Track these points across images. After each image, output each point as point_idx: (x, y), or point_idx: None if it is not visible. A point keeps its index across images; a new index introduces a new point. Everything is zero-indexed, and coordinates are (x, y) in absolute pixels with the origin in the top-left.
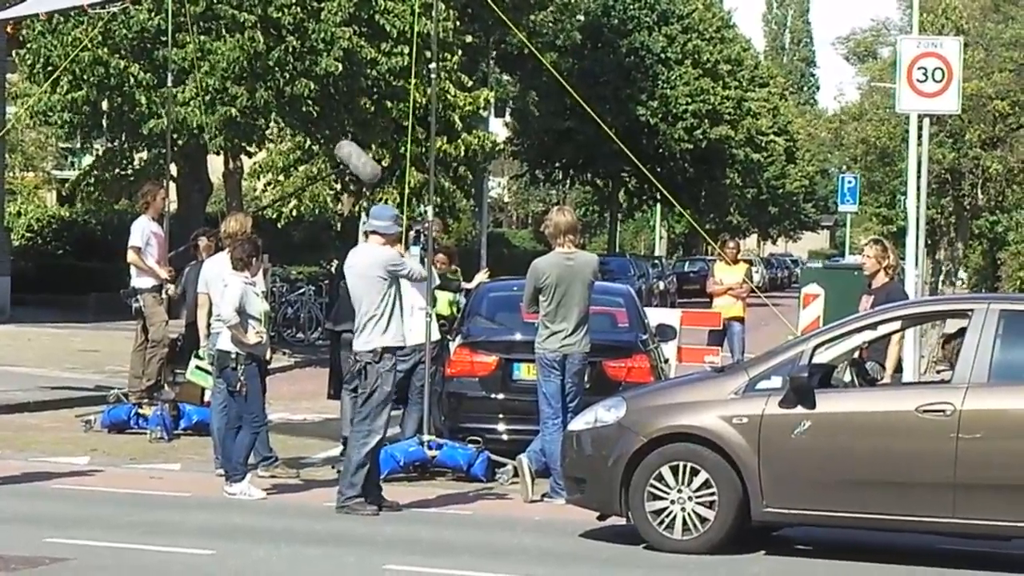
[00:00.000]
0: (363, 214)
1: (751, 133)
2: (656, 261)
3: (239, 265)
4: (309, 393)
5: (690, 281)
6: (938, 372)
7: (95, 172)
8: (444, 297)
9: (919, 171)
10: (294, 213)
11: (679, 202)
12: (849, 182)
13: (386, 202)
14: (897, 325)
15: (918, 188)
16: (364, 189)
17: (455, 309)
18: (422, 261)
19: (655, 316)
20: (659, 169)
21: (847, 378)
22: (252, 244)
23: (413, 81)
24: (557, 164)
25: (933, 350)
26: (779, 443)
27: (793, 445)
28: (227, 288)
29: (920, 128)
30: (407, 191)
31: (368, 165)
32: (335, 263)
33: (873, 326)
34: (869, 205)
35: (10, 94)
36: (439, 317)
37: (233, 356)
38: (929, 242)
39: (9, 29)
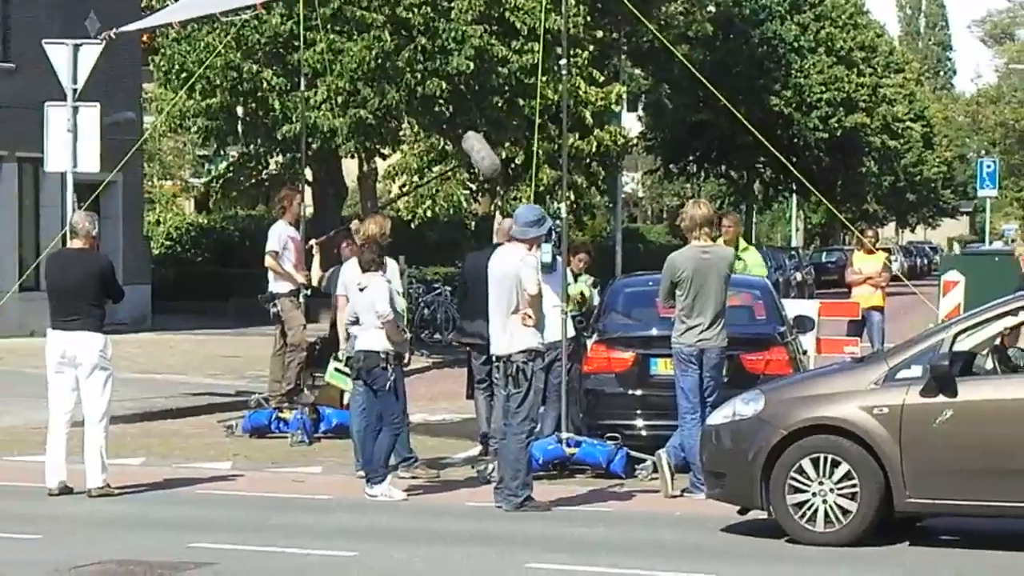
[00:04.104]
0: (498, 213)
1: (887, 120)
2: (793, 252)
3: (372, 267)
4: (447, 393)
5: (828, 272)
6: None
7: (230, 175)
8: (583, 286)
9: None
10: (428, 214)
11: (816, 192)
12: (988, 166)
13: (520, 201)
14: None
15: None
16: (497, 187)
17: (589, 296)
18: (554, 258)
19: (793, 307)
20: (794, 159)
21: (989, 365)
22: (378, 245)
23: (543, 78)
24: (691, 157)
25: None
26: (921, 433)
27: (935, 434)
28: (369, 288)
29: None
30: (540, 188)
31: (488, 159)
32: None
33: (1015, 312)
34: (1009, 189)
35: (146, 100)
36: (577, 302)
37: (383, 355)
38: None
39: (145, 38)
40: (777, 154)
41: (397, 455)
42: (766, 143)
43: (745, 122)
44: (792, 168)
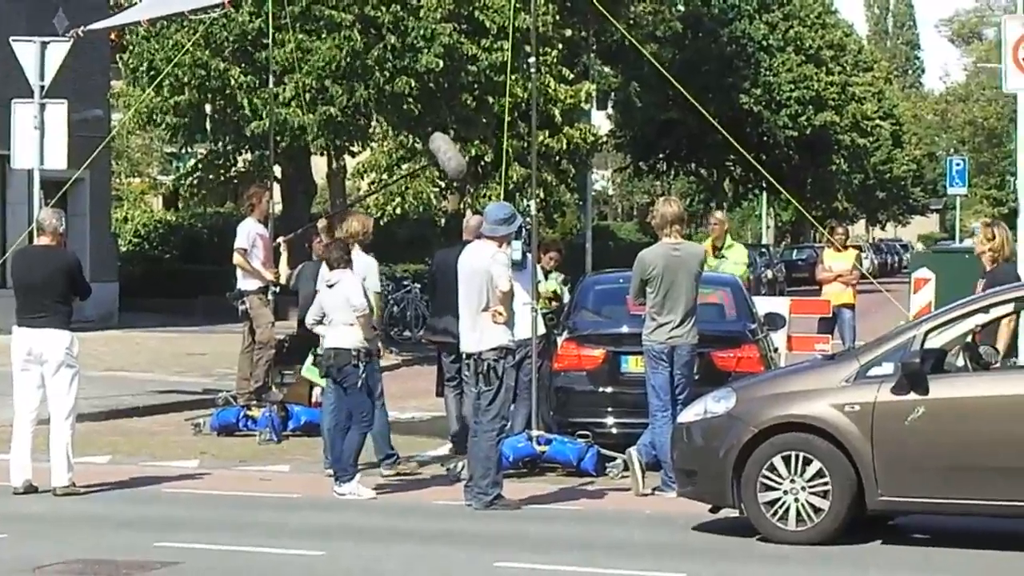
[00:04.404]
0: (468, 210)
1: (856, 118)
2: (764, 250)
3: (340, 264)
4: (417, 391)
5: (798, 269)
6: None
7: (199, 174)
8: (552, 283)
9: None
10: (397, 211)
11: (785, 190)
12: (957, 164)
13: (489, 198)
14: (1010, 308)
15: None
16: (467, 185)
17: (559, 292)
18: (524, 256)
19: (764, 305)
20: (764, 157)
21: (960, 363)
22: (344, 243)
23: (512, 76)
24: (661, 155)
25: None
26: (893, 430)
27: (907, 432)
28: (340, 284)
29: None
30: (510, 186)
31: (454, 160)
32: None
33: (985, 309)
34: (979, 187)
35: (114, 97)
36: (552, 300)
37: (353, 352)
38: None
39: (113, 36)
40: (745, 154)
41: (380, 452)
42: (734, 142)
43: (713, 121)
44: (759, 167)
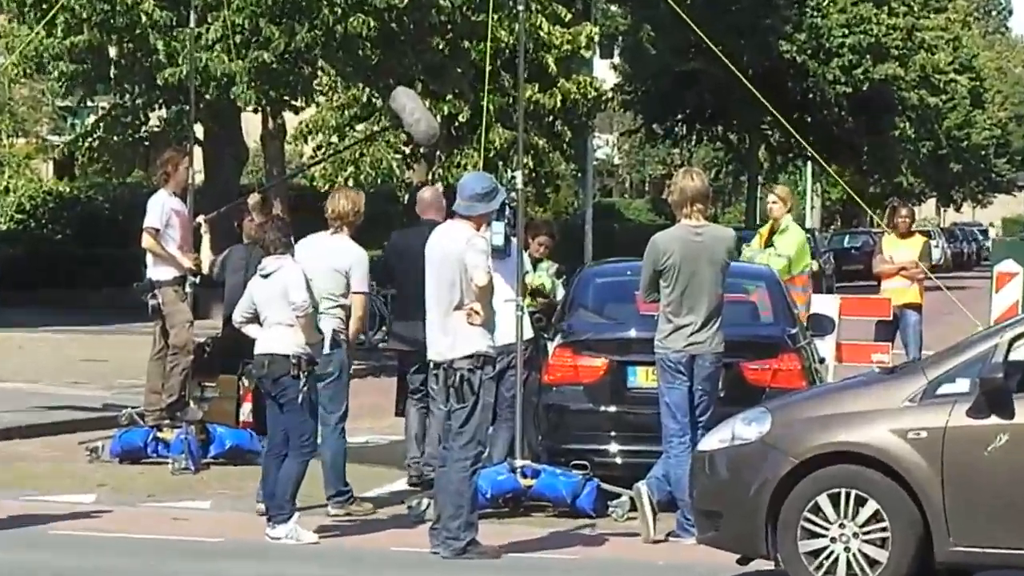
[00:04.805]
0: (438, 184)
1: (925, 71)
2: (809, 236)
3: (279, 248)
4: (372, 409)
5: (852, 260)
6: None
7: (100, 134)
8: (542, 275)
9: None
10: (350, 183)
11: (835, 160)
12: None
13: (465, 168)
14: None
15: None
16: (437, 152)
17: (551, 287)
18: (508, 241)
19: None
20: (809, 119)
21: None
22: (284, 222)
23: (494, 15)
24: (680, 116)
25: None
26: (968, 463)
27: (986, 465)
28: (278, 274)
29: None
30: (491, 153)
31: (423, 122)
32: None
33: None
34: None
35: None
36: (536, 295)
37: (293, 360)
38: None
39: None
40: (777, 116)
41: (330, 487)
42: (766, 104)
43: (738, 73)
44: (796, 134)
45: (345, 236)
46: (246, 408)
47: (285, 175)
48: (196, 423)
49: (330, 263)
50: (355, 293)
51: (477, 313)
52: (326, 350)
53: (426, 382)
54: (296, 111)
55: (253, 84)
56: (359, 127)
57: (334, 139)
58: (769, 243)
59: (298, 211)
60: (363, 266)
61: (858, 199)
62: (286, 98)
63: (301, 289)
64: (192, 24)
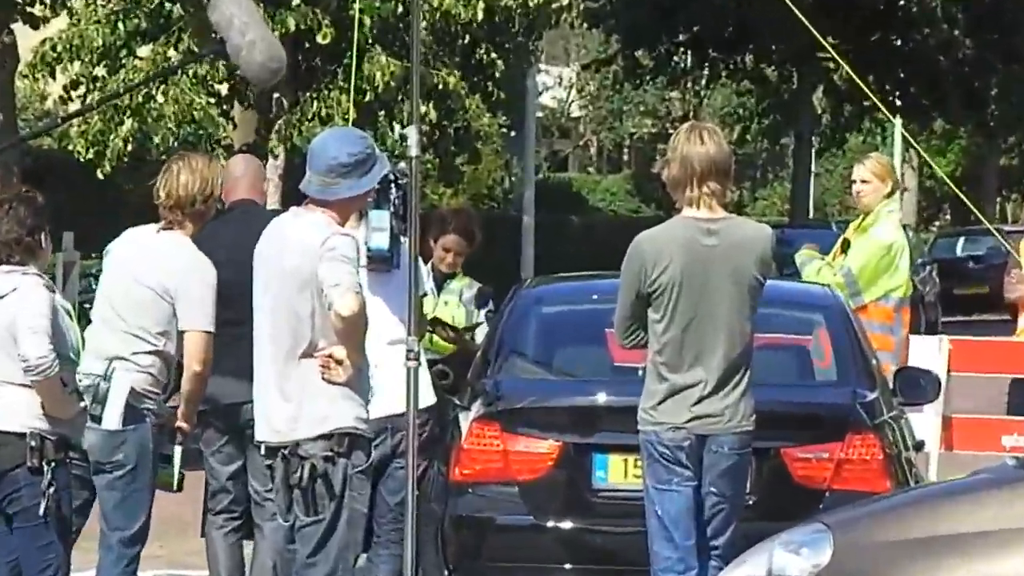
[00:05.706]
0: (278, 148)
1: None
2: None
3: (16, 255)
4: (165, 524)
5: (968, 278)
6: None
7: None
8: (451, 301)
9: None
10: (129, 147)
11: (942, 113)
12: None
13: (325, 121)
14: None
15: None
16: (278, 95)
17: (466, 318)
18: (397, 242)
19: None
20: (898, 42)
21: None
22: (32, 208)
23: None
24: (682, 37)
25: None
26: None
27: None
28: (16, 295)
29: None
30: (367, 96)
31: (260, 43)
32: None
33: None
34: None
35: None
36: (443, 333)
37: (32, 443)
38: None
39: None
40: (830, 49)
41: None
42: (812, 29)
43: None
44: (858, 78)
45: (181, 236)
46: None
47: (16, 131)
48: None
49: (146, 278)
50: (189, 331)
51: (339, 363)
52: (113, 425)
53: (247, 485)
54: (35, 25)
55: None
56: (143, 51)
57: (101, 70)
58: (847, 249)
59: (43, 188)
60: (204, 285)
61: (958, 192)
62: (20, 3)
63: (39, 333)
64: None
